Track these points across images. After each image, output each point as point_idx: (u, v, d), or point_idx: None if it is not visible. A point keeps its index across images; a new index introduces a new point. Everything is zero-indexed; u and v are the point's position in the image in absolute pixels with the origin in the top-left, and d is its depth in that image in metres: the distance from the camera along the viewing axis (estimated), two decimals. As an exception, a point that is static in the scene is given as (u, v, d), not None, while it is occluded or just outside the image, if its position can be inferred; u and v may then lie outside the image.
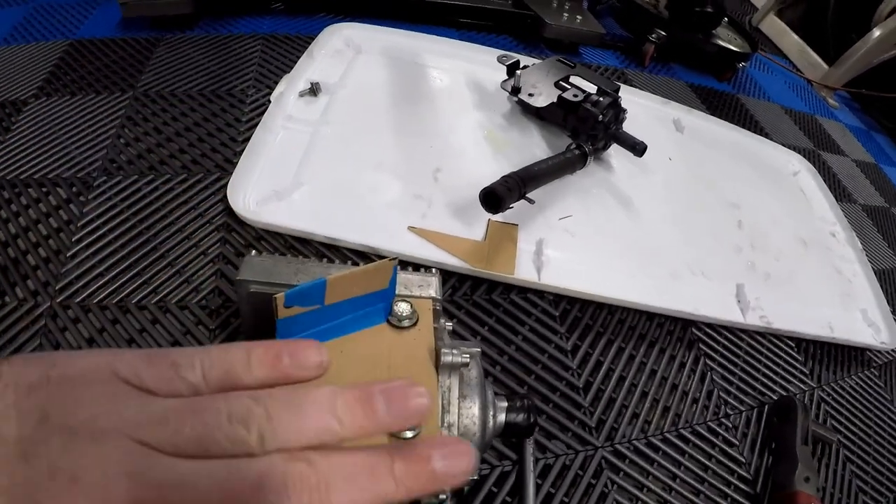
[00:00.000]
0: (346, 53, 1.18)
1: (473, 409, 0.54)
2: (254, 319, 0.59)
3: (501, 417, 0.57)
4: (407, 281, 0.59)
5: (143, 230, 0.87)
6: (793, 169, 1.34)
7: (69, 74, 1.13)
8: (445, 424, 0.51)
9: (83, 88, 1.10)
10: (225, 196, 0.89)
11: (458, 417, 0.52)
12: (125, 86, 1.10)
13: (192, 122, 1.04)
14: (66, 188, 0.92)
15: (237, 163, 0.92)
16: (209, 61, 1.19)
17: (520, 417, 0.58)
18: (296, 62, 1.13)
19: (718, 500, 0.76)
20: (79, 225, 0.86)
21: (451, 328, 0.58)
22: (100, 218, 0.87)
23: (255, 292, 0.57)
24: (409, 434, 0.46)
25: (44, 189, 0.91)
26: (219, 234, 0.88)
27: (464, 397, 0.53)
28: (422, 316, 0.56)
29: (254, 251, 0.60)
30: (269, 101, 1.04)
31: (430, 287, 0.59)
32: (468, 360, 0.53)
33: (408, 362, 0.52)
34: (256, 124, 0.99)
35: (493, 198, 0.83)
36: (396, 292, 0.55)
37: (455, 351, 0.52)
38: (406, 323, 0.54)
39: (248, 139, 0.97)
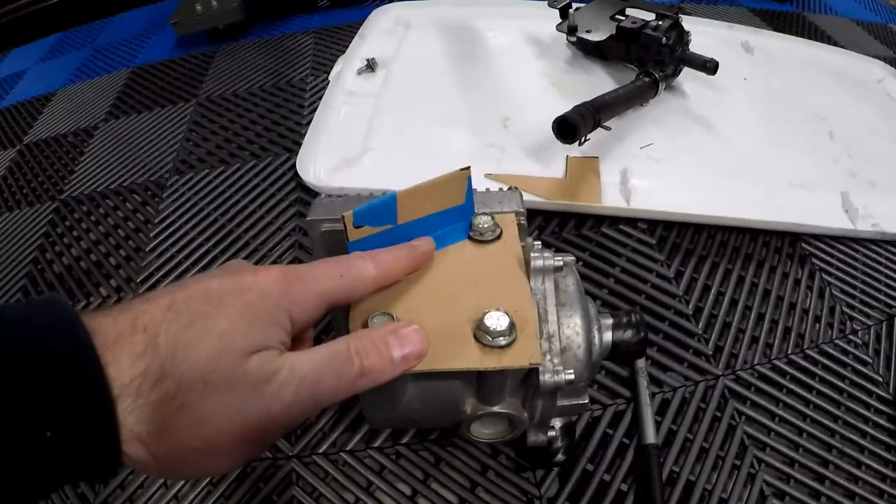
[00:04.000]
0: (396, 31, 1.13)
1: (575, 319, 0.46)
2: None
3: (608, 336, 0.49)
4: (486, 199, 0.52)
5: (217, 217, 0.84)
6: (876, 76, 1.20)
7: (134, 97, 1.13)
8: (545, 336, 0.44)
9: (148, 106, 1.09)
10: (296, 173, 0.86)
11: (559, 327, 0.45)
12: (188, 96, 1.09)
13: (257, 115, 1.02)
14: (141, 192, 0.90)
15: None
16: (265, 60, 1.16)
17: (628, 334, 0.50)
18: (347, 46, 1.09)
19: (859, 424, 0.65)
20: (156, 222, 0.84)
21: (539, 245, 0.50)
22: (175, 213, 0.85)
23: (328, 231, 0.50)
24: (502, 341, 0.38)
25: (120, 197, 0.90)
26: (293, 209, 0.84)
27: (562, 305, 0.46)
28: (505, 229, 0.48)
29: (323, 194, 0.55)
30: (329, 82, 0.99)
31: (512, 201, 0.51)
32: (561, 263, 0.45)
33: (495, 274, 0.44)
34: (319, 107, 0.96)
35: (568, 126, 0.75)
36: (476, 210, 0.48)
37: (547, 254, 0.45)
38: (489, 235, 0.47)
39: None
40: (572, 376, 0.42)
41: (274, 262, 0.77)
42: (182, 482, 0.59)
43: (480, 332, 0.39)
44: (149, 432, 0.29)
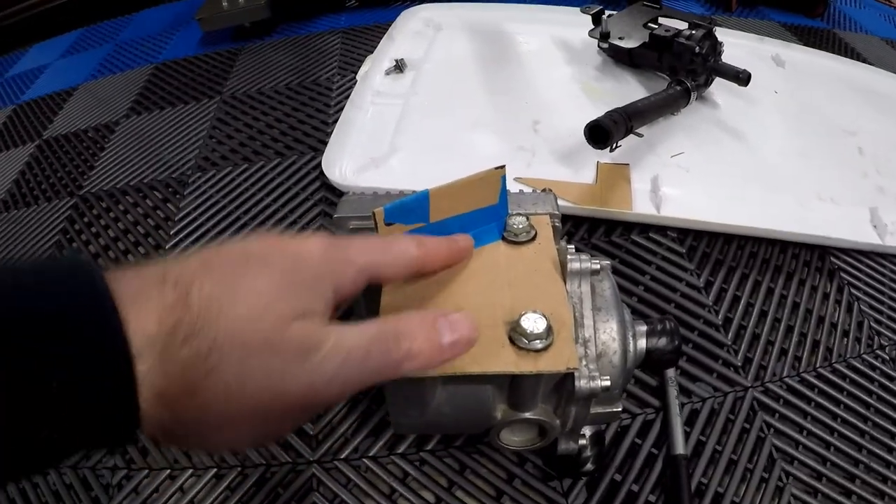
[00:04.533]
0: (426, 33, 1.13)
1: (611, 324, 0.44)
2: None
3: (642, 343, 0.48)
4: (520, 200, 0.51)
5: (240, 215, 0.83)
6: (907, 95, 1.20)
7: (157, 93, 1.12)
8: (580, 340, 0.42)
9: (171, 103, 1.08)
10: (321, 172, 0.85)
11: (595, 332, 0.43)
12: (212, 93, 1.08)
13: (282, 113, 1.01)
14: (162, 189, 0.89)
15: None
16: (291, 59, 1.16)
17: (662, 342, 0.48)
18: (375, 47, 1.08)
19: (886, 440, 0.64)
20: (176, 219, 0.84)
21: (573, 249, 0.48)
22: (196, 210, 0.85)
23: (356, 229, 0.49)
24: (538, 345, 0.37)
25: (140, 193, 0.89)
26: (318, 209, 0.83)
27: (598, 309, 0.44)
28: (540, 231, 0.47)
29: (351, 192, 0.53)
30: (356, 82, 0.99)
31: (547, 203, 0.50)
32: (598, 267, 0.44)
33: (530, 275, 0.43)
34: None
35: (600, 131, 0.74)
36: (510, 211, 0.47)
37: (584, 256, 0.44)
38: (523, 237, 0.46)
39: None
40: (608, 383, 0.40)
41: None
42: (198, 485, 0.58)
43: (516, 335, 0.37)
44: (174, 392, 0.27)
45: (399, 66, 1.01)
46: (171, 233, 0.82)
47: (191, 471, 0.59)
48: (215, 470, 0.59)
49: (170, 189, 0.88)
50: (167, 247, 0.80)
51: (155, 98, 1.10)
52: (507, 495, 0.57)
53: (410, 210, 0.41)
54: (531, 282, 0.42)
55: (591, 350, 0.42)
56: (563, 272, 0.44)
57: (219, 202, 0.85)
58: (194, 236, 0.81)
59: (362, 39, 1.19)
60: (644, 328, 0.48)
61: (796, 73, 1.14)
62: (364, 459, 0.59)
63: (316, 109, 1.01)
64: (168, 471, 0.59)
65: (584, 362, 0.41)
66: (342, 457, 0.59)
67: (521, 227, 0.46)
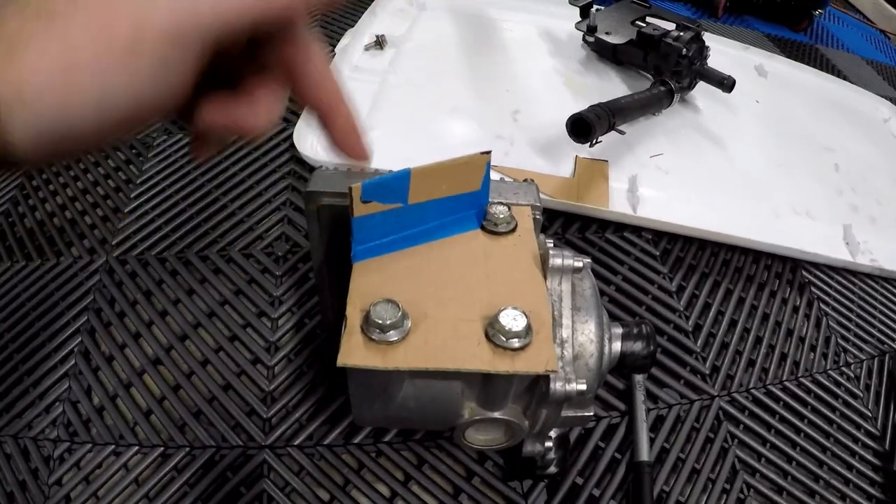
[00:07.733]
0: (409, 11, 1.09)
1: (590, 325, 0.42)
2: (325, 241, 0.48)
3: (617, 346, 0.45)
4: (501, 188, 0.47)
5: (204, 183, 0.79)
6: (882, 116, 1.20)
7: None
8: (558, 341, 0.40)
9: None
10: (291, 144, 0.81)
11: (573, 333, 0.41)
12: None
13: (256, 80, 0.96)
14: (125, 150, 0.84)
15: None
16: (267, 26, 1.10)
17: (638, 346, 0.46)
18: (356, 21, 1.03)
19: (846, 457, 0.63)
20: (137, 182, 0.79)
21: (552, 244, 0.46)
22: (159, 174, 0.80)
23: (327, 205, 0.46)
24: (516, 343, 0.34)
25: (102, 153, 0.84)
26: (285, 182, 0.79)
27: (577, 310, 0.42)
28: (521, 222, 0.44)
29: (324, 166, 0.50)
30: (334, 54, 0.94)
31: (529, 194, 0.47)
32: (581, 265, 0.41)
33: (509, 269, 0.40)
34: (323, 80, 0.90)
35: (583, 125, 0.72)
36: (490, 199, 0.44)
37: (567, 253, 0.41)
38: (503, 227, 0.43)
39: (314, 94, 0.88)
40: (584, 386, 0.38)
41: (260, 237, 0.73)
42: (134, 455, 0.54)
43: (493, 331, 0.35)
44: None
45: (379, 43, 0.97)
46: (132, 196, 0.77)
47: (136, 447, 0.55)
48: (162, 448, 0.55)
49: (133, 150, 0.83)
50: (126, 210, 0.75)
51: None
52: (465, 493, 0.54)
53: (389, 188, 0.38)
54: (510, 276, 0.40)
55: (567, 352, 0.40)
56: (543, 268, 0.41)
57: (183, 167, 0.81)
58: (155, 201, 0.76)
59: (343, 12, 1.14)
60: (620, 331, 0.46)
61: (778, 85, 1.13)
62: (318, 448, 0.56)
63: (291, 80, 0.96)
64: (113, 446, 0.55)
65: (560, 364, 0.39)
66: (296, 443, 0.56)
67: (501, 217, 0.43)
